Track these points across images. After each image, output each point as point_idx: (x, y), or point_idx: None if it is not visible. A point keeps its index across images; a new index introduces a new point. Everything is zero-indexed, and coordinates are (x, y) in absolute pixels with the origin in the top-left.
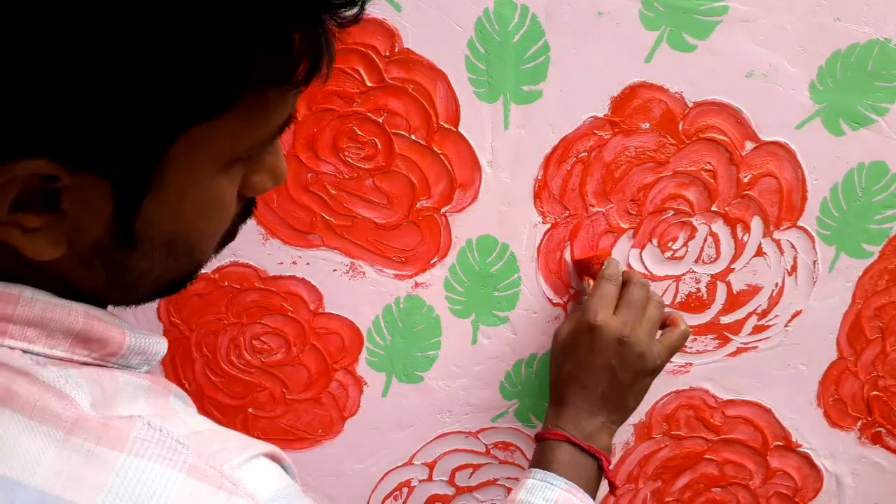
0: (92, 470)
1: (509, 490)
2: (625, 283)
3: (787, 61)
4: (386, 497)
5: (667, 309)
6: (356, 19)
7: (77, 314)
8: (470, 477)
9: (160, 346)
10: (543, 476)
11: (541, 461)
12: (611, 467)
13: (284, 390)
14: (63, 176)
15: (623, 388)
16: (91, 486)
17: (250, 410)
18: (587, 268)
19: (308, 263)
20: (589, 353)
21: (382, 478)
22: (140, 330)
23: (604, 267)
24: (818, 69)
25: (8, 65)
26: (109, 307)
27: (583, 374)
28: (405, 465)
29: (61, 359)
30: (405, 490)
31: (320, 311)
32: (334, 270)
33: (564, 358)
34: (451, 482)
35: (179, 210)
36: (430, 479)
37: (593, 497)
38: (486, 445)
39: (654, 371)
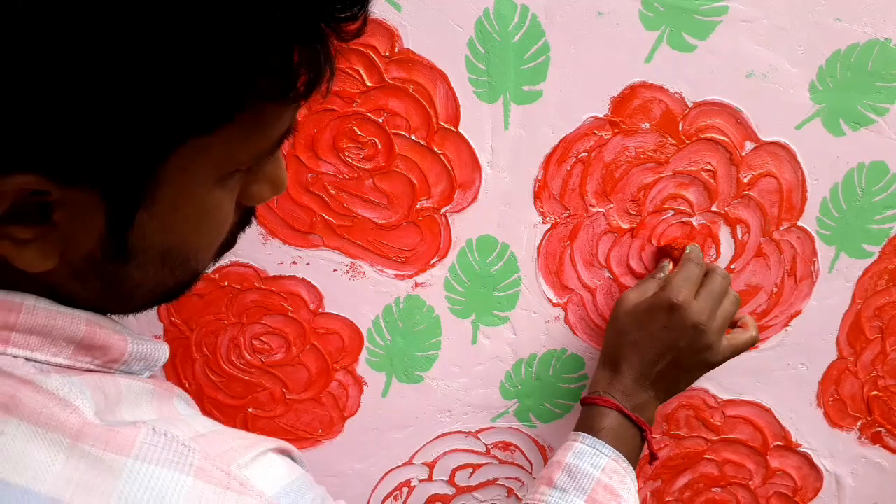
0: (101, 476)
1: (510, 490)
2: (708, 271)
3: (787, 61)
4: (386, 497)
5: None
6: (358, 33)
7: (80, 322)
8: (470, 477)
9: (162, 351)
10: (593, 443)
11: (588, 426)
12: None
13: (284, 390)
14: (53, 190)
15: (680, 372)
16: (101, 492)
17: (250, 410)
18: (668, 253)
19: (308, 263)
20: (661, 329)
21: (382, 478)
22: (142, 336)
23: (688, 250)
24: (818, 69)
25: None
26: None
27: (646, 347)
28: (405, 464)
29: (64, 366)
30: (405, 490)
31: (320, 311)
32: (334, 270)
33: (631, 326)
34: (451, 482)
35: (174, 223)
36: (430, 478)
37: (634, 466)
38: (486, 445)
39: (713, 366)
